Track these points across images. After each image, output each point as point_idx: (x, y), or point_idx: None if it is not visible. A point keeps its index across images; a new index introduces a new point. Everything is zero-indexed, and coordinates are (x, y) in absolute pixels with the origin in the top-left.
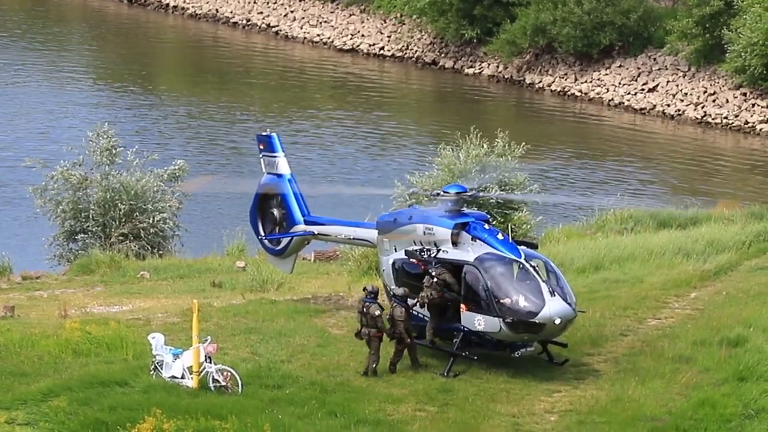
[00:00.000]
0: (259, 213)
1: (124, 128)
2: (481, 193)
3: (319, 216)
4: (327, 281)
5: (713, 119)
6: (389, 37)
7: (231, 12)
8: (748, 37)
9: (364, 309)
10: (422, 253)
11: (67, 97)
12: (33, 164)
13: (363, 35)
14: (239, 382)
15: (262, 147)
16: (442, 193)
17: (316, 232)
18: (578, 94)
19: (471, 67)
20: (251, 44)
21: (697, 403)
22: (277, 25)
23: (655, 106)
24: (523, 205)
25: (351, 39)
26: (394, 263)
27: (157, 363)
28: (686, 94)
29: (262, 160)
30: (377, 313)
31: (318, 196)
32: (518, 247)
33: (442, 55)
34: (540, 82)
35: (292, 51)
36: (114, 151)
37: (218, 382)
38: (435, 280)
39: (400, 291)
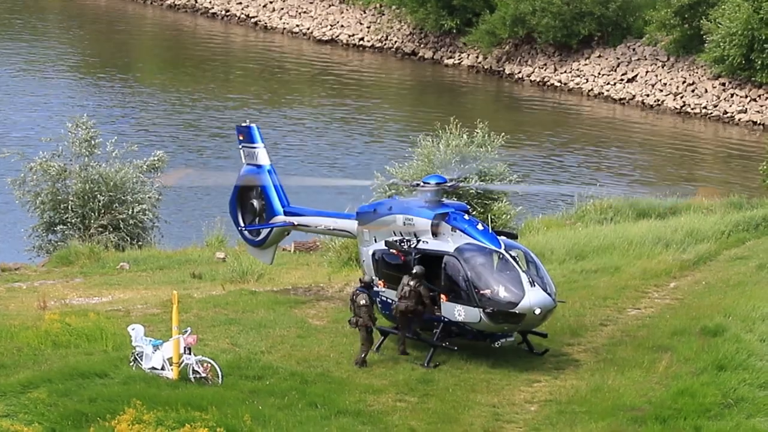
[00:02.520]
0: (239, 204)
1: (103, 119)
2: (461, 184)
3: (299, 207)
4: (307, 272)
5: (692, 109)
6: (368, 27)
7: (210, 2)
8: (727, 27)
9: (354, 297)
10: (402, 244)
11: (46, 88)
12: (11, 155)
13: (342, 26)
14: (219, 374)
15: (241, 138)
16: (422, 183)
17: (296, 223)
18: (557, 84)
19: (450, 57)
20: (230, 35)
21: (676, 392)
22: (257, 16)
23: (634, 96)
24: (503, 196)
25: (330, 30)
26: (374, 254)
27: (137, 354)
28: (665, 84)
29: (241, 151)
30: (362, 302)
31: (296, 187)
32: (498, 237)
33: (422, 45)
34: (519, 72)
35: (271, 42)
36: (93, 142)
37: (198, 373)
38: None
39: (418, 269)
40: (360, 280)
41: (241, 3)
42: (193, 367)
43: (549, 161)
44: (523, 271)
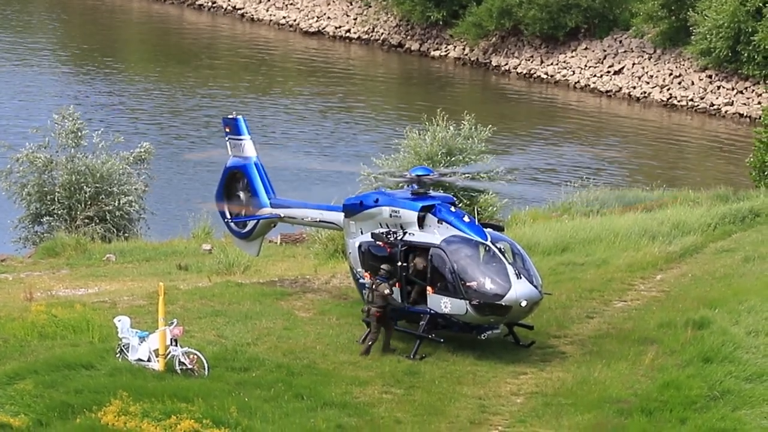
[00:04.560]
0: (225, 196)
1: (89, 111)
2: (447, 177)
3: (286, 199)
4: (293, 264)
5: (679, 101)
6: (355, 19)
7: None
8: (714, 19)
9: (374, 285)
10: (388, 236)
11: (32, 79)
12: None
13: (329, 18)
14: (205, 365)
15: (228, 130)
16: (413, 176)
17: (282, 215)
18: (544, 76)
19: (437, 49)
20: (217, 27)
21: (662, 384)
22: (243, 8)
23: (620, 88)
24: (489, 188)
25: (317, 21)
26: (360, 246)
27: (123, 346)
28: (652, 76)
29: (228, 143)
30: (387, 291)
31: (284, 174)
32: (484, 229)
33: (408, 37)
34: (506, 64)
35: (258, 33)
36: (79, 134)
37: (184, 365)
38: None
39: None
40: (381, 268)
41: None
42: (179, 359)
43: (535, 153)
44: (510, 264)
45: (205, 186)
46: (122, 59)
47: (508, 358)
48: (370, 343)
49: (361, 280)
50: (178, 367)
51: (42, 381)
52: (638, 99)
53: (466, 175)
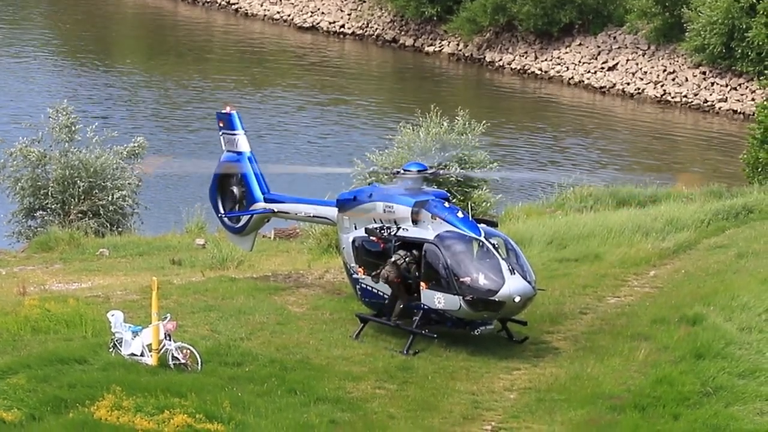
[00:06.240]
0: (219, 191)
1: (83, 105)
2: (441, 171)
3: (279, 194)
4: (287, 259)
5: (673, 98)
6: (349, 14)
7: None
8: (708, 15)
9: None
10: (382, 231)
11: (26, 74)
12: None
13: (323, 13)
14: (199, 360)
15: (221, 125)
16: (402, 171)
17: (276, 210)
18: (538, 72)
19: (431, 45)
20: (211, 22)
21: (655, 380)
22: (237, 3)
23: (614, 84)
24: (483, 183)
25: (311, 17)
26: (353, 241)
27: (117, 340)
28: (646, 72)
29: (221, 137)
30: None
31: (277, 173)
32: (478, 225)
33: (403, 33)
34: (500, 60)
35: (252, 28)
36: (73, 128)
37: (178, 359)
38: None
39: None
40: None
41: None
42: (172, 354)
43: (529, 149)
44: (503, 259)
45: (199, 180)
46: (116, 53)
47: (501, 353)
48: (396, 311)
49: (355, 276)
50: (171, 362)
51: (35, 375)
52: (632, 95)
53: (461, 171)
